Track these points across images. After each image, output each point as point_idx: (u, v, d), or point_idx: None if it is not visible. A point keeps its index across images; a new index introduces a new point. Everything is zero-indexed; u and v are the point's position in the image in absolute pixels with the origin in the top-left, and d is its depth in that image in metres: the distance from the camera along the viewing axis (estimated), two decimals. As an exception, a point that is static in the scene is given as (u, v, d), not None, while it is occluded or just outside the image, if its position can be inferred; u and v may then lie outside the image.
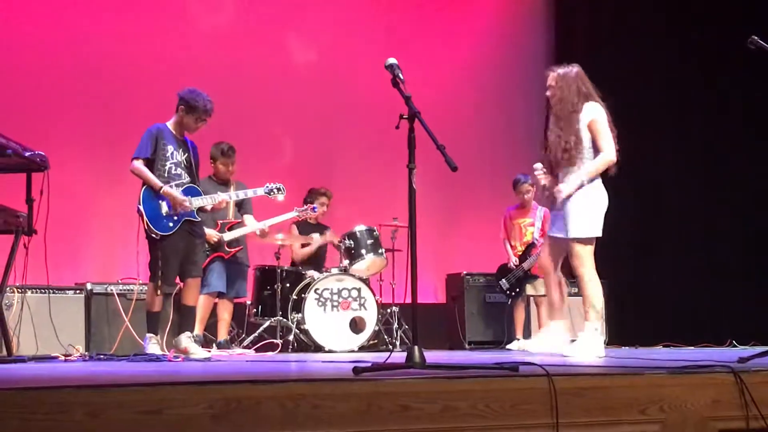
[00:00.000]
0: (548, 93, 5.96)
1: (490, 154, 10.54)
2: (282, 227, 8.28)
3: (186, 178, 6.24)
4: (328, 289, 7.97)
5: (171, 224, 6.10)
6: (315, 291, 7.92)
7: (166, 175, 6.14)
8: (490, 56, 10.68)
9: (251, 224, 7.80)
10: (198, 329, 7.24)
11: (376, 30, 10.29)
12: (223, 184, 7.76)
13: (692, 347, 7.87)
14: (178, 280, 6.32)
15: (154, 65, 9.16)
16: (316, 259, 8.63)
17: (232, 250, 7.70)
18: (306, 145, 9.93)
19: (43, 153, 5.57)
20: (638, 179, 9.97)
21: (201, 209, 6.34)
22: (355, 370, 3.19)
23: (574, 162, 5.76)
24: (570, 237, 5.75)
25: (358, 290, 8.04)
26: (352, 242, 8.24)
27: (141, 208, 6.07)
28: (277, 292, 7.98)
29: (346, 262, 8.22)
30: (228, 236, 7.67)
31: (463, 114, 10.21)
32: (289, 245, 8.52)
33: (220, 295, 7.70)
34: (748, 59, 4.73)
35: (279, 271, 8.04)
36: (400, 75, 3.88)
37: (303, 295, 7.91)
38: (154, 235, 6.07)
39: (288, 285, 8.11)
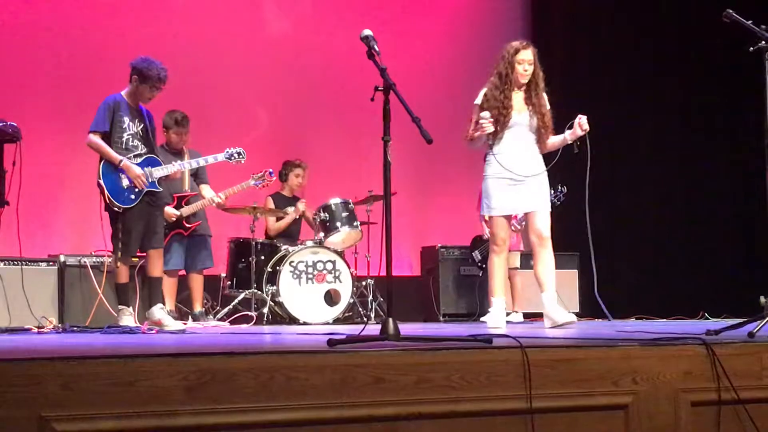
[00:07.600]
0: (527, 69, 5.96)
1: (466, 126, 10.50)
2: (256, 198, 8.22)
3: (143, 149, 6.21)
4: (303, 261, 7.96)
5: (132, 196, 6.07)
6: (290, 263, 7.90)
7: (123, 146, 6.12)
8: (466, 28, 10.62)
9: (207, 194, 7.62)
10: (169, 306, 7.21)
11: (352, 1, 10.21)
12: (176, 154, 7.55)
13: (665, 320, 7.93)
14: (140, 252, 6.30)
15: (128, 36, 9.03)
16: (290, 232, 8.60)
17: (192, 225, 7.59)
18: (280, 117, 9.85)
19: (15, 124, 5.53)
20: (611, 150, 10.01)
21: (161, 179, 6.29)
22: (330, 342, 3.20)
23: (544, 141, 6.00)
24: (548, 209, 5.92)
25: (333, 263, 8.03)
26: (327, 215, 8.21)
27: (101, 182, 6.04)
28: (251, 264, 7.95)
29: (321, 234, 8.21)
30: (186, 211, 7.54)
31: (439, 86, 10.17)
32: (263, 217, 8.46)
33: (186, 270, 7.69)
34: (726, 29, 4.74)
35: (254, 243, 8.01)
36: (376, 47, 3.86)
37: (278, 268, 7.90)
38: (116, 209, 6.04)
39: (263, 257, 8.09)
